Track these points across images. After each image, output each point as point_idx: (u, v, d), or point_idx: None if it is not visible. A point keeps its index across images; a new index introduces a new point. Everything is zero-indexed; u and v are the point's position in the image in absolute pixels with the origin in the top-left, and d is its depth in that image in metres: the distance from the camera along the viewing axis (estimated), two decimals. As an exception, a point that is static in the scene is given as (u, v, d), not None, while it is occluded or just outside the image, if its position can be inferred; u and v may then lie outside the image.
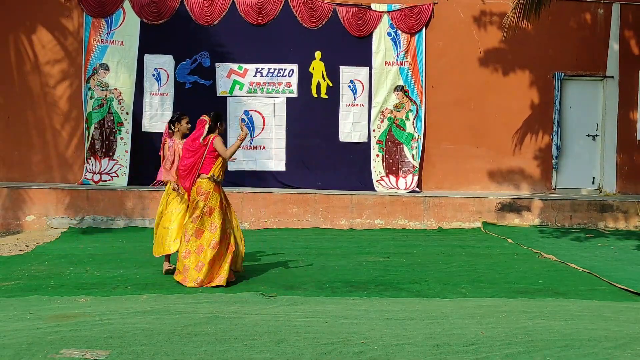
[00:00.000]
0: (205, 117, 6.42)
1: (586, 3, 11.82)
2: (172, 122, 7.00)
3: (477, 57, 11.71)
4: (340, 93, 11.43)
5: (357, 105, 11.46)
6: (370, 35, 11.41)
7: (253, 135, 11.36)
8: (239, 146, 6.35)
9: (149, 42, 11.10)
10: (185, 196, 6.63)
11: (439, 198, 10.65)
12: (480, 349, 4.36)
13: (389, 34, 11.43)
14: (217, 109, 11.01)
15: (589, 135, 11.99)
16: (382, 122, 11.46)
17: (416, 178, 11.34)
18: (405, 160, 11.43)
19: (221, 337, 4.51)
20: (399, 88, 11.45)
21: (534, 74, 11.78)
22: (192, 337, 4.48)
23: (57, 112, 11.16)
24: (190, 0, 11.14)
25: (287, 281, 6.58)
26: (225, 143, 6.53)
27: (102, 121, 10.98)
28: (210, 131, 6.37)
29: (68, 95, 11.16)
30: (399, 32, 11.41)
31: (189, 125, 6.94)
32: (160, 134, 11.03)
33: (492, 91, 11.71)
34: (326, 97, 11.40)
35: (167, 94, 11.19)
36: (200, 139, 6.32)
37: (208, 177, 6.29)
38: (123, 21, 11.04)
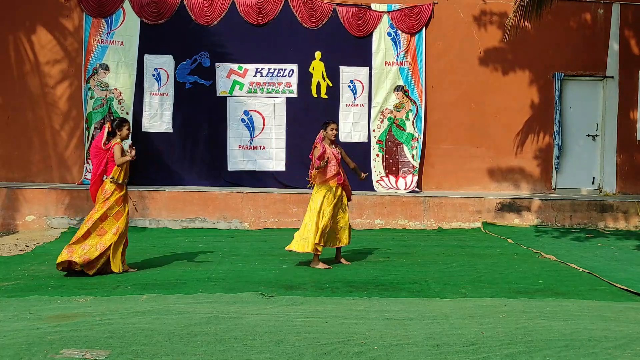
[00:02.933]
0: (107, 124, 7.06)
1: (586, 3, 11.82)
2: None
3: (477, 57, 11.71)
4: (340, 93, 11.43)
5: (357, 105, 11.46)
6: (370, 35, 11.41)
7: (253, 135, 11.37)
8: (127, 161, 6.84)
9: (149, 42, 11.10)
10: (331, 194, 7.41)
11: (439, 198, 10.65)
12: (480, 349, 4.36)
13: (389, 34, 11.43)
14: (217, 109, 11.23)
15: (589, 135, 11.99)
16: (382, 122, 11.46)
17: (416, 178, 11.34)
18: (405, 160, 11.43)
19: (221, 337, 4.51)
20: (399, 88, 11.45)
21: (534, 74, 11.78)
22: (192, 337, 4.48)
23: (57, 112, 11.16)
24: (190, 0, 11.14)
25: (287, 281, 6.58)
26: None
27: (102, 121, 10.97)
28: (110, 136, 6.94)
29: (68, 95, 11.16)
30: (399, 32, 11.41)
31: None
32: (160, 134, 11.17)
33: (492, 91, 11.71)
34: (326, 97, 11.40)
35: (167, 94, 11.19)
36: (102, 144, 6.90)
37: (110, 179, 6.85)
38: (123, 21, 11.04)
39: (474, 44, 11.70)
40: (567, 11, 11.65)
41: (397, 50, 11.43)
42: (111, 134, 6.94)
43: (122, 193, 6.89)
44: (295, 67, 11.37)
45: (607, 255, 8.46)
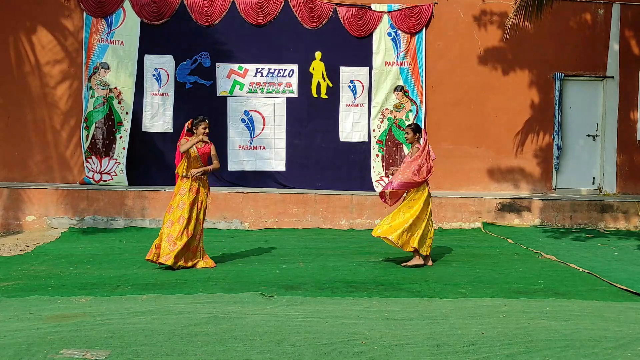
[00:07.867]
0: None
1: (586, 3, 11.82)
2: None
3: (477, 57, 11.71)
4: (340, 93, 11.43)
5: (357, 105, 11.47)
6: (371, 35, 11.42)
7: (253, 135, 11.37)
8: (190, 146, 7.25)
9: (149, 42, 11.09)
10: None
11: (439, 198, 10.64)
12: (480, 349, 4.36)
13: (389, 34, 11.43)
14: (217, 109, 11.23)
15: (589, 136, 11.99)
16: (382, 122, 11.46)
17: (416, 178, 11.32)
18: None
19: (221, 337, 4.51)
20: (399, 88, 11.45)
21: (534, 74, 11.78)
22: (192, 337, 4.48)
23: (57, 112, 11.16)
24: (190, 0, 11.14)
25: (287, 281, 6.58)
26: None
27: (102, 120, 10.98)
28: (189, 134, 7.37)
29: (68, 95, 11.15)
30: (399, 32, 11.41)
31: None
32: (160, 134, 11.17)
33: (492, 91, 11.71)
34: (326, 97, 11.40)
35: (167, 94, 11.19)
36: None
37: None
38: (123, 21, 11.04)
39: (474, 44, 11.70)
40: (567, 11, 11.64)
41: (397, 50, 11.43)
42: (190, 131, 7.32)
43: (185, 184, 7.25)
44: (295, 67, 11.37)
45: (607, 255, 8.46)
